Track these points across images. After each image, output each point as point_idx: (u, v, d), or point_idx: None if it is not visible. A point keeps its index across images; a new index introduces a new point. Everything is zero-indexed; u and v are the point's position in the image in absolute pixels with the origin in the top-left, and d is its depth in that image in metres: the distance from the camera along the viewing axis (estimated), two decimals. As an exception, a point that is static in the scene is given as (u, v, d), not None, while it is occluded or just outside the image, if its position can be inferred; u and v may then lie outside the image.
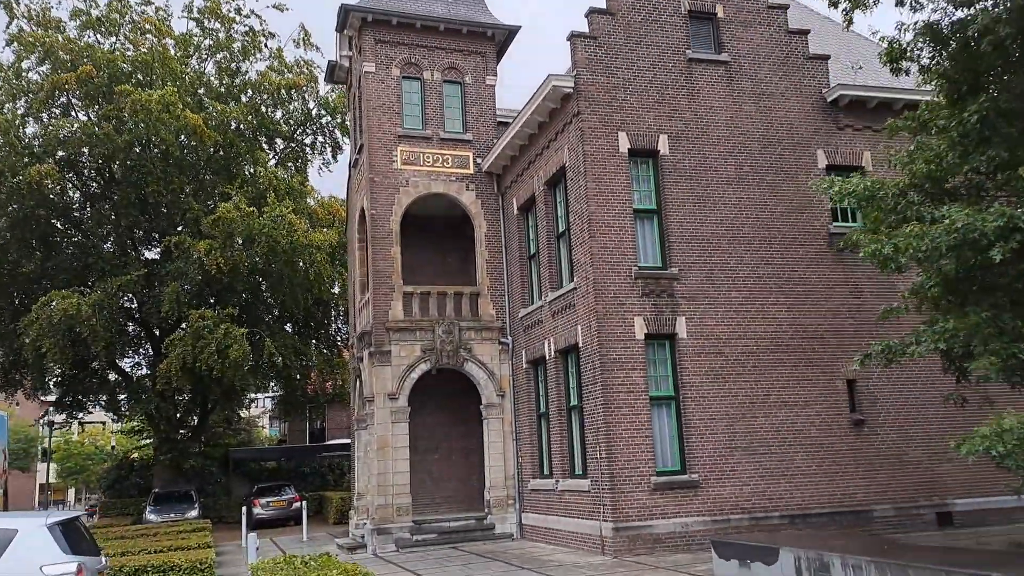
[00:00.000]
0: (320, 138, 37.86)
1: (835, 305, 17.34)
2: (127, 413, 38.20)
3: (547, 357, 18.57)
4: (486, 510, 20.19)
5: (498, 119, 22.11)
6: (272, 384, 41.01)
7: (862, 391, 17.03)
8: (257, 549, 12.67)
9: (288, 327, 38.36)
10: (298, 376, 37.70)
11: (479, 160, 21.69)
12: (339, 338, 40.28)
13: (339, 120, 37.63)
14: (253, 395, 43.08)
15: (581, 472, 17.10)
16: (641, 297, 16.30)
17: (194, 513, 29.28)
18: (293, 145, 38.39)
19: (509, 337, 20.93)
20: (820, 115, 18.06)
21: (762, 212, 17.33)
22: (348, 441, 44.77)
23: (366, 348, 20.61)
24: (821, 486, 16.39)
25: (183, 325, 30.60)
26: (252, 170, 36.20)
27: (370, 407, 20.06)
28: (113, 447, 57.46)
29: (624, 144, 16.69)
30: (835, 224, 17.79)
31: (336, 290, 38.81)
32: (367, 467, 21.40)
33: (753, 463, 16.18)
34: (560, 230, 18.47)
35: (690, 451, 15.96)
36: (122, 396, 36.83)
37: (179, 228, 33.32)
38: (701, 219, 16.94)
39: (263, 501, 31.91)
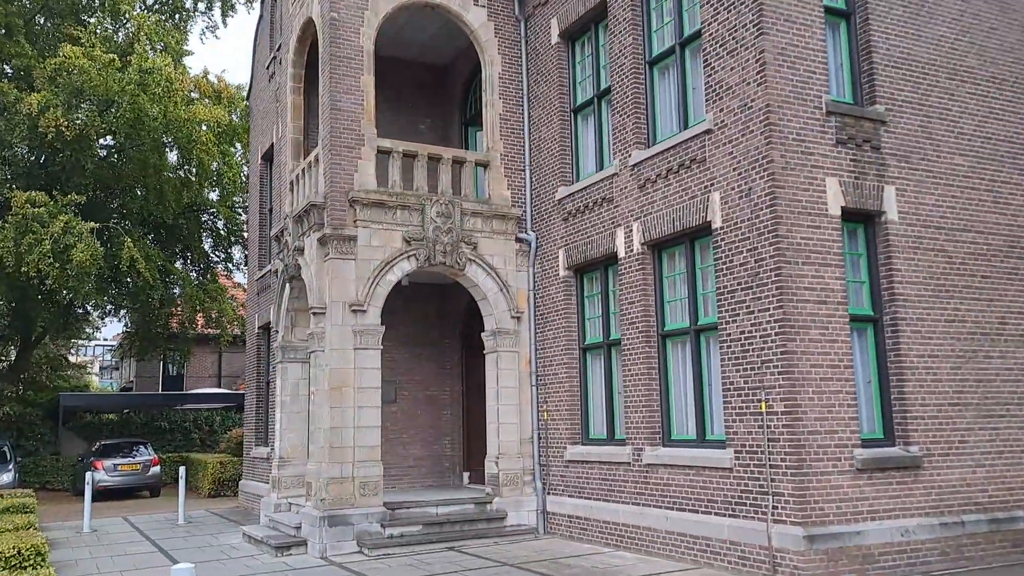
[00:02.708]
0: (207, -11, 28.86)
1: (1077, 194, 11.38)
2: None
3: (621, 255, 11.66)
4: (489, 489, 13.16)
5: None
6: (124, 311, 31.83)
7: (1116, 326, 11.20)
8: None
9: (149, 240, 29.38)
10: (159, 303, 28.87)
11: (494, -37, 14.34)
12: (215, 256, 31.66)
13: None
14: (100, 323, 33.46)
15: (696, 437, 10.39)
16: (835, 147, 9.68)
17: (8, 478, 20.76)
18: (168, -1, 29.19)
19: (531, 232, 13.84)
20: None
21: (989, 39, 11.06)
22: (221, 390, 36.27)
23: (311, 232, 12.98)
24: (1072, 469, 10.47)
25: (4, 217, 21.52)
26: (110, 22, 26.89)
27: (317, 324, 12.51)
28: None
29: None
30: (1074, 74, 11.80)
31: (215, 195, 30.18)
32: (305, 418, 13.94)
33: (988, 431, 10.00)
34: (659, 50, 11.50)
35: (903, 408, 9.58)
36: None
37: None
38: (914, 34, 10.47)
39: (108, 464, 23.49)
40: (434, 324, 15.99)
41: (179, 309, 29.71)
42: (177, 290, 29.39)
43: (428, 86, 16.54)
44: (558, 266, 13.15)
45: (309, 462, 12.60)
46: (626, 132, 11.68)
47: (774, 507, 8.90)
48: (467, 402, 15.69)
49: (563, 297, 13.01)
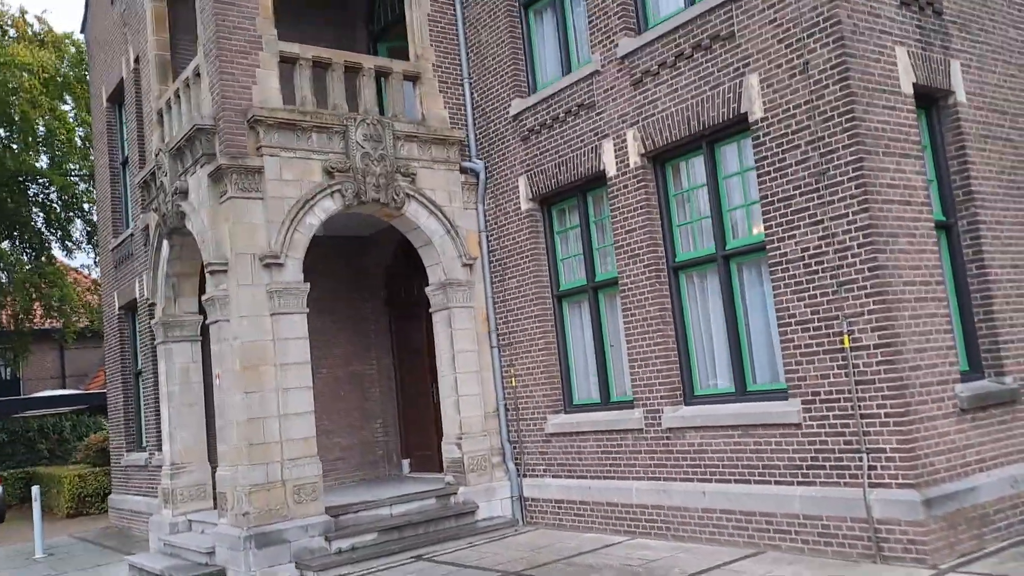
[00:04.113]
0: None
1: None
2: None
3: (611, 173, 9.35)
4: (450, 478, 10.64)
5: None
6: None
7: None
8: None
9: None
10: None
11: None
12: (50, 234, 27.05)
13: None
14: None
15: (735, 389, 8.30)
16: (900, 8, 7.72)
17: None
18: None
19: (478, 160, 11.29)
20: None
21: None
22: (69, 391, 31.46)
23: (198, 166, 9.89)
24: None
25: None
26: None
27: (217, 286, 9.49)
28: None
29: None
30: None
31: (42, 163, 25.60)
32: (201, 411, 10.97)
33: (1070, 352, 8.46)
34: (645, -87, 9.20)
35: (992, 331, 7.82)
36: None
37: None
38: None
39: (-64, 488, 19.42)
40: (351, 285, 13.21)
41: (10, 299, 25.09)
42: (5, 277, 24.81)
43: (323, -4, 13.56)
44: (518, 198, 10.69)
45: (220, 467, 9.62)
46: (609, 17, 9.32)
47: (871, 467, 6.92)
48: (400, 375, 13.05)
49: (528, 236, 10.57)
